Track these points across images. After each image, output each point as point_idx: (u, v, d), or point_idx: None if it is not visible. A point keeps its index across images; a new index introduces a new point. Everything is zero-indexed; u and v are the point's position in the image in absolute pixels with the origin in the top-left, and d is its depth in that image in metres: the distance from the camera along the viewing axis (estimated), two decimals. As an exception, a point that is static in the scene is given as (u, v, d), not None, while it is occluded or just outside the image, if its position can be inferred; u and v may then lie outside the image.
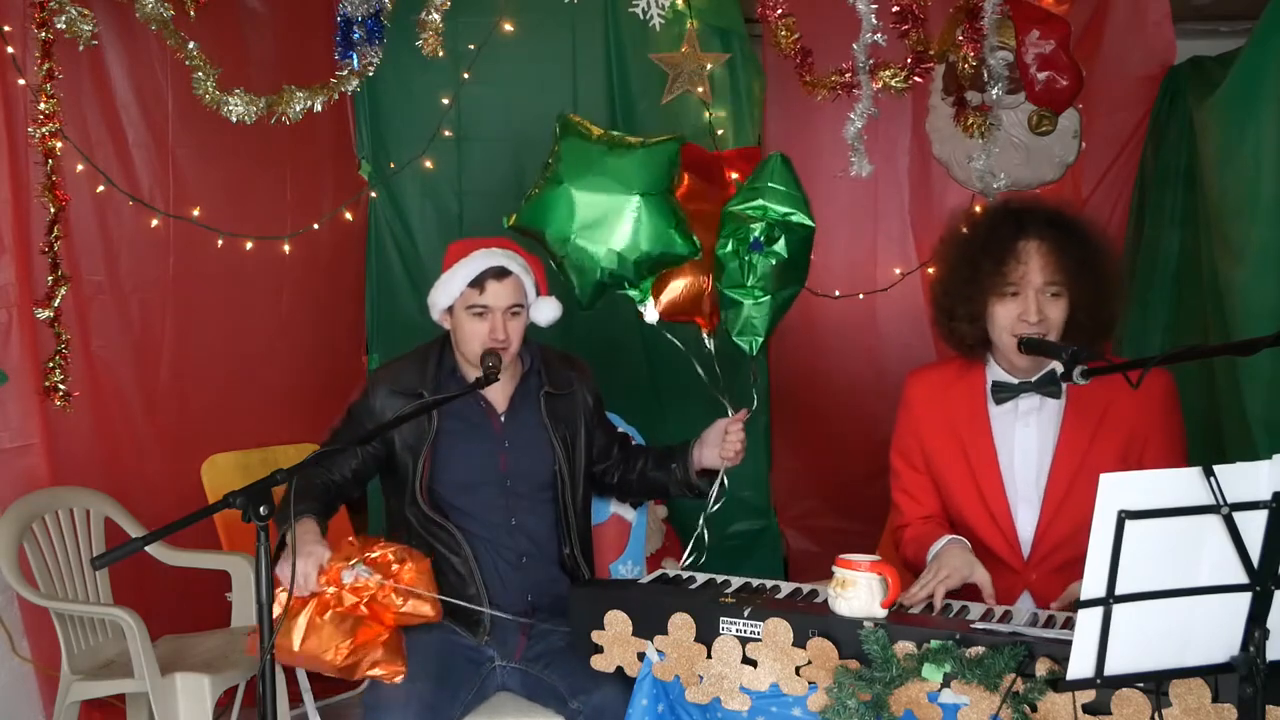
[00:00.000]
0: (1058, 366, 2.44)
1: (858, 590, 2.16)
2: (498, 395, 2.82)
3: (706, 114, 4.46)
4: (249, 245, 4.05)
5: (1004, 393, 2.48)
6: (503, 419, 2.81)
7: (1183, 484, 1.59)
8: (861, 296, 4.72)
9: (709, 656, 2.24)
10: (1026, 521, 2.48)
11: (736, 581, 2.47)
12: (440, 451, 2.74)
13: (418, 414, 2.60)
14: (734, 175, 4.43)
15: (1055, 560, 2.45)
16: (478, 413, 2.80)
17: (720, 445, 2.76)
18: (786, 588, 2.40)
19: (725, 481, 2.80)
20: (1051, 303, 2.38)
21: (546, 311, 2.83)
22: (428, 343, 2.89)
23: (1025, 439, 2.48)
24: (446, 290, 2.76)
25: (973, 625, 2.13)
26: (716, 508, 2.82)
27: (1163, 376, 2.39)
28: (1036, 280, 2.37)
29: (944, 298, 2.52)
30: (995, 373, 2.52)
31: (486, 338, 2.70)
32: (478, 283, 2.73)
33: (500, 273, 2.74)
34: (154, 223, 3.70)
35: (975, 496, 2.51)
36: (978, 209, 3.61)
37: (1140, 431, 2.41)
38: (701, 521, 2.84)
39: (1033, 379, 2.46)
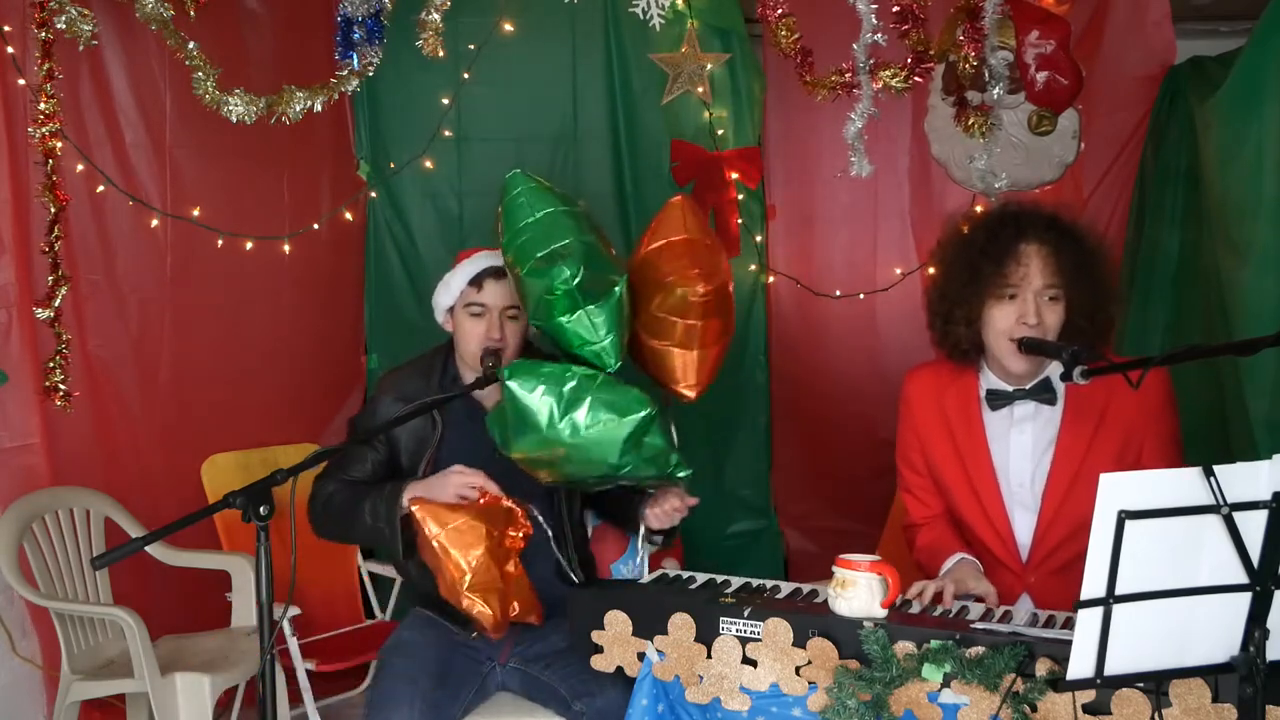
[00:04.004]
0: (1052, 373, 2.44)
1: (858, 590, 2.16)
2: (494, 403, 2.82)
3: (706, 114, 4.47)
4: (249, 245, 4.04)
5: (998, 400, 2.48)
6: None
7: (1183, 484, 1.59)
8: (862, 296, 4.72)
9: (709, 656, 2.24)
10: (1024, 525, 2.48)
11: (736, 581, 2.47)
12: (441, 458, 2.75)
13: (415, 415, 2.61)
14: (734, 175, 4.45)
15: (1054, 563, 2.45)
16: (476, 421, 2.79)
17: (659, 502, 2.73)
18: (786, 588, 2.40)
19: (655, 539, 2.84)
20: (1049, 306, 2.38)
21: None
22: (430, 351, 2.90)
23: (1020, 444, 2.48)
24: (448, 290, 2.79)
25: (973, 625, 2.13)
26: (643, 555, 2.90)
27: (1158, 376, 2.39)
28: (1036, 283, 2.38)
29: (941, 301, 2.52)
30: (989, 380, 2.52)
31: (483, 337, 2.72)
32: (476, 281, 2.76)
33: (499, 273, 2.76)
34: (153, 223, 3.70)
35: (972, 499, 2.52)
36: (978, 209, 3.61)
37: (1137, 432, 2.41)
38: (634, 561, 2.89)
39: (1027, 386, 2.46)
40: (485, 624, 2.54)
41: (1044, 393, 2.45)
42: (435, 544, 2.51)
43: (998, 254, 2.40)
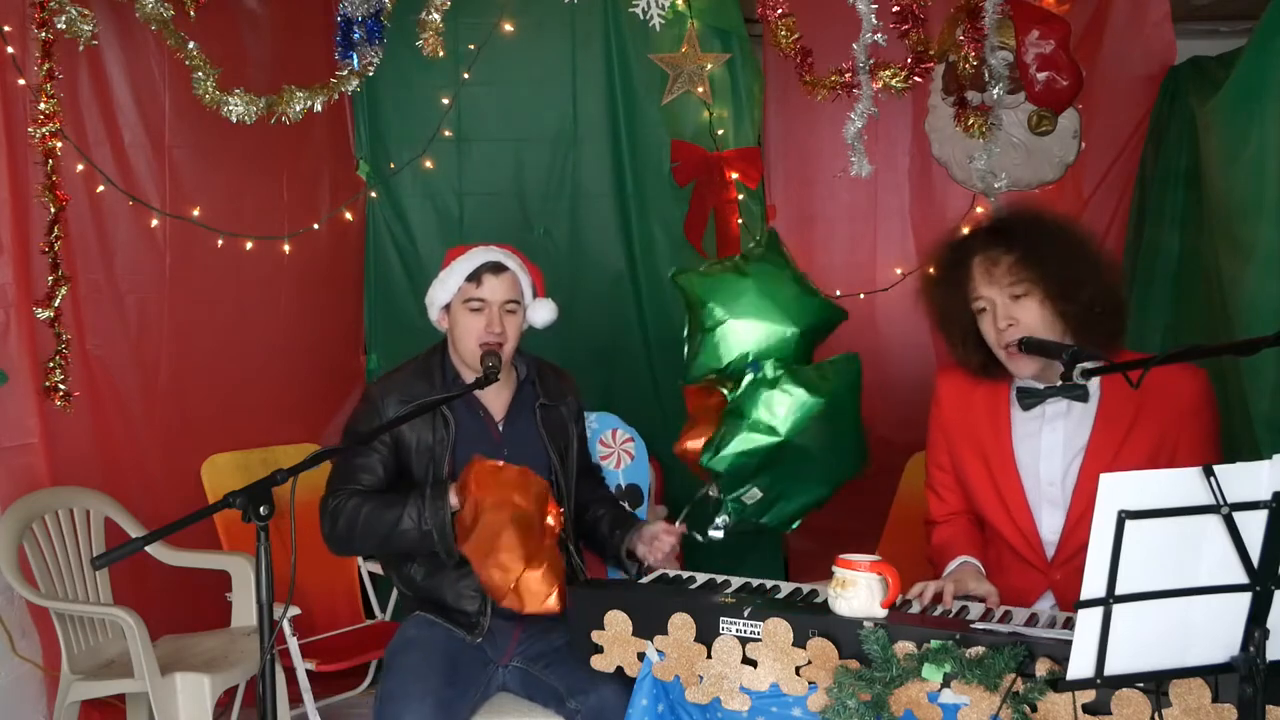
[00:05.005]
0: None
1: (858, 590, 2.16)
2: (495, 403, 2.83)
3: (706, 114, 4.47)
4: (248, 245, 4.04)
5: (1030, 398, 2.47)
6: (500, 427, 2.82)
7: (1183, 484, 1.58)
8: (862, 296, 4.72)
9: (709, 656, 2.24)
10: (1051, 523, 2.48)
11: (736, 581, 2.47)
12: (458, 458, 2.74)
13: (418, 414, 2.61)
14: (734, 175, 4.46)
15: (1080, 560, 2.43)
16: (477, 420, 2.80)
17: (650, 544, 2.75)
18: (786, 588, 2.40)
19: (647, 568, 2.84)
20: (1019, 304, 2.39)
21: (543, 313, 2.85)
22: (425, 353, 2.89)
23: (1052, 442, 2.48)
24: (445, 286, 2.78)
25: (973, 625, 2.13)
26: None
27: (1194, 377, 2.39)
28: (991, 291, 2.41)
29: (938, 329, 2.58)
30: (1021, 379, 2.52)
31: (483, 332, 2.71)
32: (474, 277, 2.75)
33: (497, 268, 2.76)
34: (153, 223, 3.70)
35: (994, 497, 2.52)
36: (978, 209, 3.62)
37: (1171, 433, 2.39)
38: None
39: (1057, 384, 2.45)
40: (495, 592, 2.52)
41: (1075, 389, 2.44)
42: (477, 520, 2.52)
43: (952, 277, 2.47)
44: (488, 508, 2.51)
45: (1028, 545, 2.49)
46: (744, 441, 2.78)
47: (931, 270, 2.58)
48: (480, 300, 2.74)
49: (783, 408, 2.77)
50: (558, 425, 2.87)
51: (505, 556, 2.48)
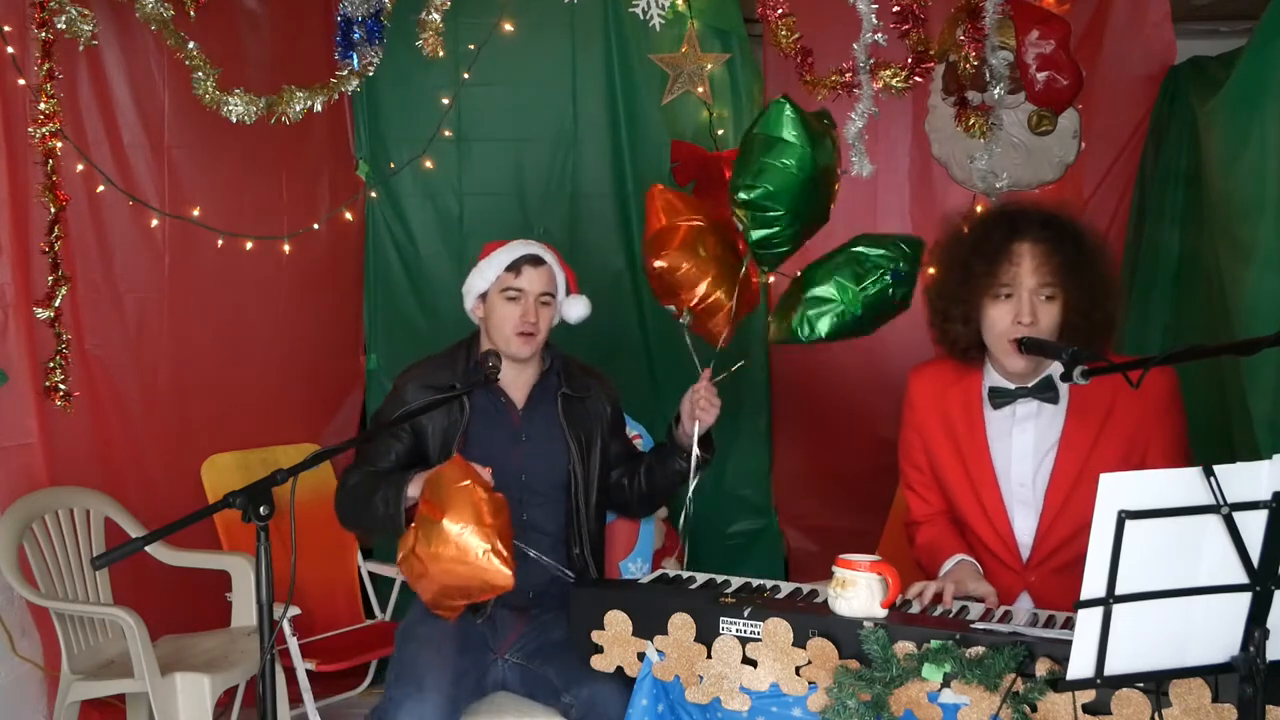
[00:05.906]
0: (1055, 371, 2.44)
1: (858, 590, 2.16)
2: (517, 391, 2.87)
3: (706, 114, 4.47)
4: (248, 245, 4.04)
5: (1001, 398, 2.48)
6: (521, 414, 2.84)
7: (1183, 484, 1.59)
8: (862, 296, 4.71)
9: (709, 656, 2.25)
10: (1025, 524, 2.48)
11: (736, 581, 2.47)
12: (470, 441, 2.79)
13: (431, 407, 2.67)
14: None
15: (1055, 562, 2.45)
16: (498, 406, 2.84)
17: (694, 408, 2.79)
18: (786, 588, 2.40)
19: (699, 452, 2.82)
20: (1044, 305, 2.37)
21: (576, 309, 2.92)
22: (453, 345, 2.96)
23: (1022, 443, 2.48)
24: (483, 275, 2.86)
25: (973, 625, 2.13)
26: (699, 476, 2.84)
27: (1164, 376, 2.38)
28: (1029, 282, 2.37)
29: (938, 299, 2.53)
30: (992, 378, 2.51)
31: (519, 321, 2.79)
32: (514, 267, 2.83)
33: (536, 260, 2.85)
34: (153, 223, 3.70)
35: (972, 498, 2.52)
36: (979, 209, 3.60)
37: (1142, 432, 2.40)
38: (690, 494, 2.90)
39: (1029, 384, 2.45)
40: (467, 548, 2.42)
41: (1046, 391, 2.44)
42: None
43: (990, 253, 2.40)
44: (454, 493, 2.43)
45: (1004, 547, 2.49)
46: (834, 327, 2.89)
47: (966, 235, 2.51)
48: (518, 290, 2.81)
49: (884, 317, 2.89)
50: (580, 417, 2.89)
51: (490, 524, 2.38)
